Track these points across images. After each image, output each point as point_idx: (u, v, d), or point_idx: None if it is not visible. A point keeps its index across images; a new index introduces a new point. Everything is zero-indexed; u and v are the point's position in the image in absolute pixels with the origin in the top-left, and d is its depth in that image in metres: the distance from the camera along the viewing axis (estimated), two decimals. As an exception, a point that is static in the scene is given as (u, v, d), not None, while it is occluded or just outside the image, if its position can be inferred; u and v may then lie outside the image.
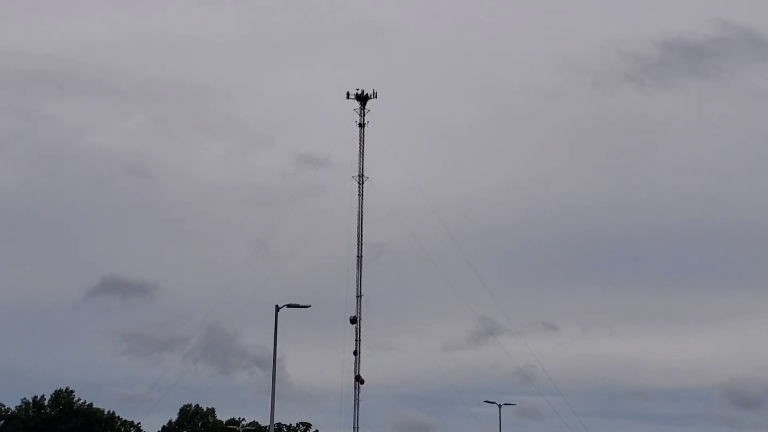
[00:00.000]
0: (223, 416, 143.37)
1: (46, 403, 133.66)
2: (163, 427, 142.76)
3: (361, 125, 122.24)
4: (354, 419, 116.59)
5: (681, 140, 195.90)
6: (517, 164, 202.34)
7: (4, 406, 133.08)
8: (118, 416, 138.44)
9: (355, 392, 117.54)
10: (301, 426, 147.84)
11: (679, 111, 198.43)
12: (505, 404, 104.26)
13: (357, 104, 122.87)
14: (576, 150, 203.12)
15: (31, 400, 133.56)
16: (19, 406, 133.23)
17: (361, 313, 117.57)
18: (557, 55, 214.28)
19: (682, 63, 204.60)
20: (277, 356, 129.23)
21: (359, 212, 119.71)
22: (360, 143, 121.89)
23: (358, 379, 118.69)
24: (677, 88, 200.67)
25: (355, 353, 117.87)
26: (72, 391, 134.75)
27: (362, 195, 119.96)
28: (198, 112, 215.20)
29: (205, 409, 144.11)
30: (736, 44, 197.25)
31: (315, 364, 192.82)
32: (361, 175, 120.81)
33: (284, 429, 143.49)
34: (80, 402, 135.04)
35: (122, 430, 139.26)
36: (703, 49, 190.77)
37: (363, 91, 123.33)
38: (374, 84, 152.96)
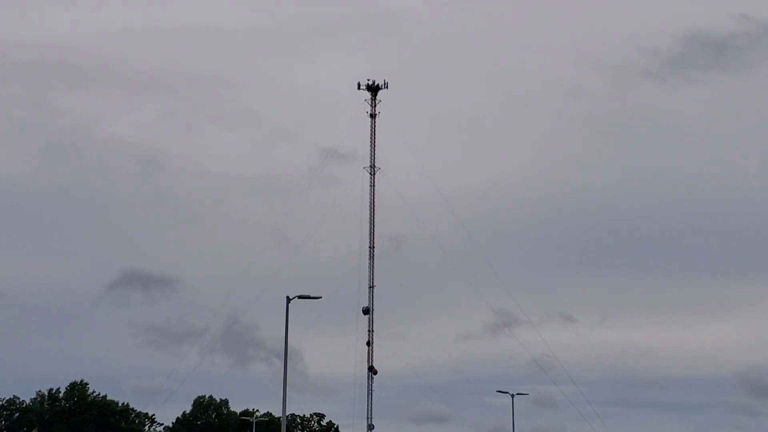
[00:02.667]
0: (237, 407, 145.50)
1: (60, 395, 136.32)
2: (177, 418, 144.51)
3: (372, 116, 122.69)
4: (367, 410, 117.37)
5: (701, 133, 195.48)
6: (532, 155, 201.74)
7: (19, 398, 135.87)
8: (133, 408, 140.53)
9: (368, 383, 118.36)
10: (314, 417, 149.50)
11: (700, 105, 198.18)
12: (518, 394, 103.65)
13: (368, 95, 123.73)
14: (592, 141, 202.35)
15: (46, 393, 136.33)
16: (34, 398, 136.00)
17: (374, 303, 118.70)
18: (577, 50, 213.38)
19: (704, 58, 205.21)
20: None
21: (371, 203, 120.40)
22: (371, 134, 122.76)
23: (371, 370, 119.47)
24: (699, 83, 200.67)
25: (368, 344, 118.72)
26: (86, 384, 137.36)
27: (374, 186, 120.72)
28: (210, 103, 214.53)
29: (218, 401, 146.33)
30: (759, 39, 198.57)
31: (329, 355, 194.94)
32: (372, 166, 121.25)
33: (297, 420, 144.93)
34: (94, 394, 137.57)
35: (136, 421, 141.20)
36: (726, 44, 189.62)
37: (374, 82, 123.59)
38: (386, 74, 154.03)
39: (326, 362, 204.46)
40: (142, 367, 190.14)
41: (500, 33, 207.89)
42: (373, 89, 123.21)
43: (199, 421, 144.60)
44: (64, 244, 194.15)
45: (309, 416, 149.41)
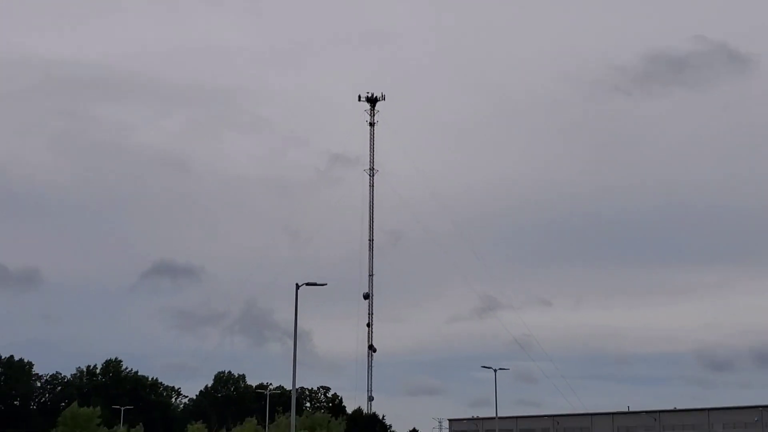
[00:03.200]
0: (253, 381, 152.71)
1: (97, 371, 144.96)
2: (200, 391, 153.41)
3: (372, 124, 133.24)
4: (368, 383, 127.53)
5: (663, 139, 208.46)
6: (515, 158, 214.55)
7: (61, 374, 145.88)
8: (161, 382, 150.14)
9: (368, 360, 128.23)
10: (321, 390, 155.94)
11: (662, 115, 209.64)
12: (500, 369, 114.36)
13: (368, 106, 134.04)
14: (568, 147, 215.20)
15: (84, 369, 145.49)
16: (74, 374, 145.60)
17: (374, 290, 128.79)
18: (556, 67, 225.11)
19: (666, 74, 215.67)
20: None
21: (370, 201, 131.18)
22: (371, 140, 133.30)
23: (371, 348, 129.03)
24: (661, 97, 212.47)
25: (368, 325, 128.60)
26: (120, 361, 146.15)
27: (373, 186, 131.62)
28: (229, 113, 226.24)
29: (236, 376, 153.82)
30: (714, 58, 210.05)
31: (334, 336, 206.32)
32: (372, 169, 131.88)
33: (306, 392, 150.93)
34: (128, 370, 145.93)
35: (164, 394, 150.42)
36: (685, 62, 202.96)
37: (372, 94, 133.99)
38: (384, 87, 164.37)
39: (332, 342, 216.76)
40: (169, 346, 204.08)
41: (487, 51, 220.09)
42: (372, 101, 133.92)
43: (219, 393, 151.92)
44: (102, 239, 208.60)
45: (316, 389, 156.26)
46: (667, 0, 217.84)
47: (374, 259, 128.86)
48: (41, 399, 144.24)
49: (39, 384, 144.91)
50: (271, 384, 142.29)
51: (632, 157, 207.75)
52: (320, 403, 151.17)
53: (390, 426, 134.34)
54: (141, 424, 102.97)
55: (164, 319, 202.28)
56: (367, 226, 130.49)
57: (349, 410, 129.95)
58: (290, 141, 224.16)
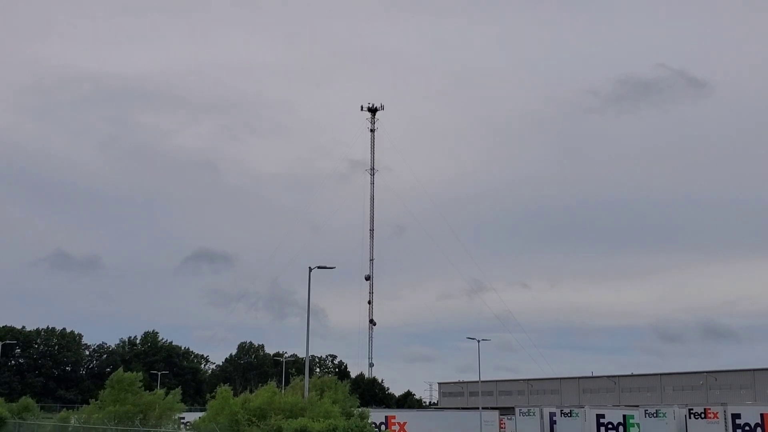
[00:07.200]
0: (270, 350, 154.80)
1: (137, 341, 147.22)
2: (226, 358, 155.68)
3: (372, 131, 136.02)
4: (369, 352, 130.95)
5: (630, 149, 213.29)
6: (497, 161, 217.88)
7: (107, 344, 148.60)
8: (192, 351, 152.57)
9: (369, 332, 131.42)
10: (329, 357, 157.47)
11: (629, 130, 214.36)
12: (483, 340, 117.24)
13: (369, 114, 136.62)
14: (548, 156, 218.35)
15: (126, 339, 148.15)
16: (117, 344, 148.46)
17: (374, 272, 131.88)
18: (538, 89, 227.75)
19: (633, 96, 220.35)
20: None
21: (371, 196, 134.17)
22: (371, 144, 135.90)
23: (372, 322, 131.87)
24: (628, 115, 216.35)
25: (369, 302, 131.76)
26: (157, 332, 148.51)
27: (373, 184, 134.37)
28: (252, 121, 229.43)
29: (257, 345, 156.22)
30: (673, 82, 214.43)
31: (341, 311, 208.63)
32: (372, 168, 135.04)
33: (316, 360, 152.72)
34: (163, 340, 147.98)
35: (195, 361, 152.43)
36: (649, 86, 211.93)
37: (373, 104, 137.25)
38: (383, 98, 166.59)
39: (339, 316, 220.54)
40: (202, 320, 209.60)
41: (476, 71, 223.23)
42: (372, 110, 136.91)
43: (242, 360, 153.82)
44: (149, 229, 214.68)
45: (325, 357, 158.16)
46: (634, 33, 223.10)
47: (374, 246, 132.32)
48: (89, 365, 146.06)
49: (87, 352, 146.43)
50: (286, 352, 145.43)
51: (601, 164, 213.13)
52: (328, 368, 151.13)
53: (388, 388, 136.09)
54: (179, 387, 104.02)
55: (200, 296, 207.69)
56: (369, 218, 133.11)
57: (353, 375, 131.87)
58: (304, 145, 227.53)
